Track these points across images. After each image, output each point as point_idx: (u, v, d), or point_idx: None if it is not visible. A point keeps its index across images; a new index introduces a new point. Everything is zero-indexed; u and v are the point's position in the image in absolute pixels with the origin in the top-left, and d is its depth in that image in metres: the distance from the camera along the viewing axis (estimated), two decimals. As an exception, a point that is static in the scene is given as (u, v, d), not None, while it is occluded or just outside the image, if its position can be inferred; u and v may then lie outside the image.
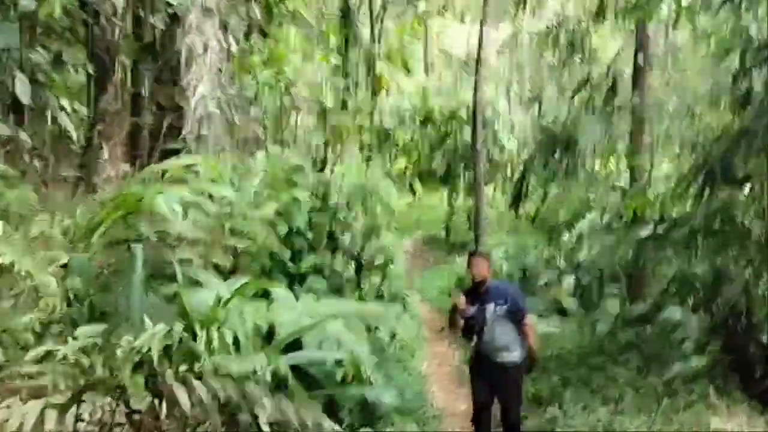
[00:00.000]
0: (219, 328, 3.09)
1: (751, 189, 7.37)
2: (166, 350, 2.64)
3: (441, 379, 9.96)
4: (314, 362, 3.88)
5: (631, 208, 9.50)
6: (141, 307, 3.43)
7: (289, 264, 5.90)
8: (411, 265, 19.25)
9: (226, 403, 2.49)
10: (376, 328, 5.25)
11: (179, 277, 3.82)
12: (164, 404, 2.55)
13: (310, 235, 6.05)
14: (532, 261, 13.13)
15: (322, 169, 6.60)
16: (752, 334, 6.95)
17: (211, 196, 4.96)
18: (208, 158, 5.97)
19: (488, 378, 5.03)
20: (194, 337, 2.87)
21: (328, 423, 2.85)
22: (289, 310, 4.60)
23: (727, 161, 6.39)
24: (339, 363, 4.09)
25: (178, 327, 2.75)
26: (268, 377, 2.86)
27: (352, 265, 6.75)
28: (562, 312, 10.40)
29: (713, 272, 7.08)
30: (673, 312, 8.14)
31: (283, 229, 5.88)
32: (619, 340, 7.17)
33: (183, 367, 2.55)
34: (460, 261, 15.74)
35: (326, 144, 6.70)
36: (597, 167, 13.17)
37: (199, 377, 2.49)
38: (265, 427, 2.51)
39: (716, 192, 6.91)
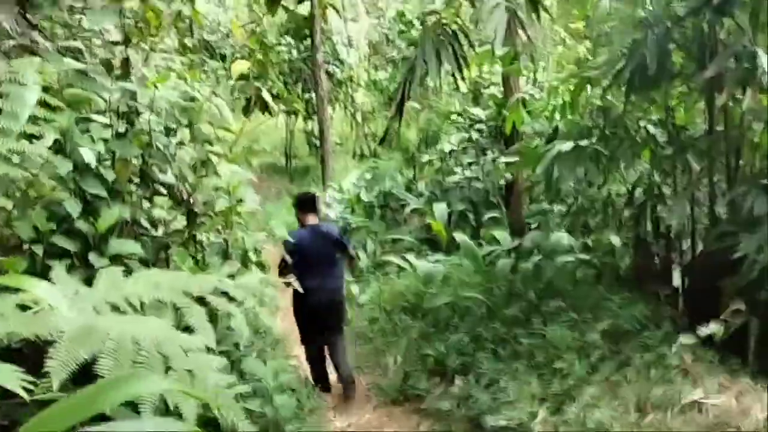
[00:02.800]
0: None
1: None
2: None
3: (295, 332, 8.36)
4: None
5: (511, 121, 8.21)
6: None
7: (78, 222, 3.82)
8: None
9: None
10: (228, 314, 3.39)
11: None
12: None
13: (110, 176, 3.98)
14: (392, 187, 11.64)
15: (124, 77, 4.40)
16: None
17: None
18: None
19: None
20: None
21: None
22: (70, 311, 2.66)
23: (664, 54, 5.11)
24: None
25: None
26: None
27: (180, 215, 4.73)
28: (436, 244, 9.04)
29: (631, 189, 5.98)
30: (562, 238, 7.03)
31: (63, 169, 3.76)
32: (535, 280, 5.80)
33: None
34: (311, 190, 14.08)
35: (126, 40, 4.47)
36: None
37: None
38: None
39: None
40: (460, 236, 6.91)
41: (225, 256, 4.69)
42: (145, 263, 4.29)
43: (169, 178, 4.46)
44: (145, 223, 4.63)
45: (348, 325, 6.09)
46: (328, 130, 18.90)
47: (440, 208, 9.31)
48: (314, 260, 5.21)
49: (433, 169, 11.13)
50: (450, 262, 7.35)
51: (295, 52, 19.93)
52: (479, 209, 9.29)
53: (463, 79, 6.43)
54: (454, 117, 10.89)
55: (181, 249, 4.17)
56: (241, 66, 6.27)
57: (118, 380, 2.06)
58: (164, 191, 4.47)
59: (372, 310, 7.75)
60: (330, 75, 19.77)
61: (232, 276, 3.77)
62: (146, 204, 4.40)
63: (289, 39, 20.17)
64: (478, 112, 9.93)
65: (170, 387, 1.95)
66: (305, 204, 5.56)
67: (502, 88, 9.39)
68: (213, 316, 3.33)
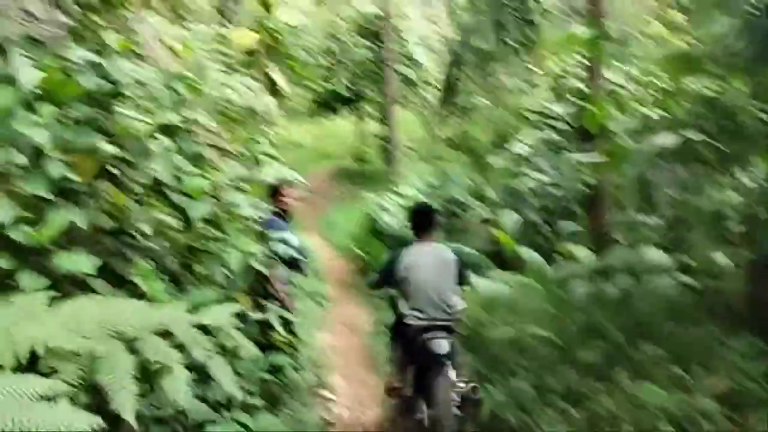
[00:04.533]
0: None
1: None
2: None
3: (347, 360, 7.34)
4: None
5: (595, 116, 6.92)
6: None
7: (11, 230, 2.94)
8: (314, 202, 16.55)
9: None
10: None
11: None
12: None
13: (57, 170, 3.09)
14: (458, 193, 10.50)
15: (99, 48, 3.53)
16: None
17: None
18: None
19: None
20: None
21: None
22: None
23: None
24: None
25: None
26: None
27: (178, 221, 3.80)
28: (501, 259, 7.83)
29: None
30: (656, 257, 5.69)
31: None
32: (622, 313, 4.51)
33: None
34: (372, 196, 13.16)
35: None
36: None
37: None
38: None
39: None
40: (526, 251, 5.70)
41: (214, 275, 3.73)
42: (113, 282, 3.40)
43: (148, 175, 3.54)
44: (138, 234, 3.75)
45: None
46: (397, 132, 18.01)
47: (509, 217, 8.09)
48: None
49: (504, 173, 9.91)
50: (517, 282, 6.15)
51: (366, 52, 19.13)
52: (555, 219, 8.03)
53: (529, 51, 5.15)
54: (529, 115, 9.64)
55: (145, 266, 3.22)
56: (244, 37, 5.29)
57: None
58: (144, 192, 3.56)
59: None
60: (401, 75, 18.85)
61: (198, 307, 2.78)
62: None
63: (359, 38, 19.42)
64: (556, 108, 8.67)
65: None
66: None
67: (585, 80, 8.15)
68: (147, 369, 2.34)
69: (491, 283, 6.44)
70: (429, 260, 4.43)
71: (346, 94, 19.35)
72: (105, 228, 3.60)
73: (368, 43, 19.00)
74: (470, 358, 4.98)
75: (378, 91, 18.86)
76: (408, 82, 19.27)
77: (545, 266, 5.84)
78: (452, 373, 4.19)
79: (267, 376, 4.38)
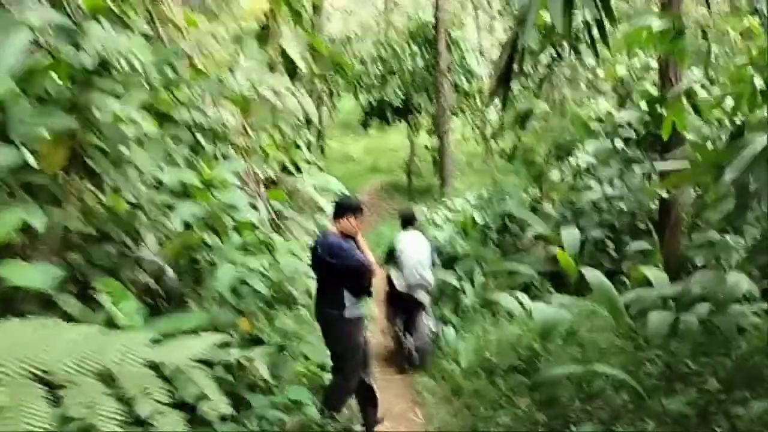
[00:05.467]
0: None
1: None
2: None
3: (387, 394, 6.63)
4: None
5: (670, 122, 6.04)
6: None
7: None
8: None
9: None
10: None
11: None
12: None
13: (10, 157, 2.53)
14: (514, 208, 9.70)
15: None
16: None
17: None
18: None
19: None
20: None
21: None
22: None
23: None
24: None
25: None
26: None
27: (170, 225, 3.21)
28: (561, 282, 7.01)
29: None
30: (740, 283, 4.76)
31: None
32: (715, 351, 3.63)
33: None
34: (424, 211, 12.46)
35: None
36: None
37: None
38: None
39: None
40: (590, 272, 4.87)
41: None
42: (89, 300, 2.81)
43: (132, 168, 2.93)
44: (127, 241, 3.19)
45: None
46: (450, 145, 17.27)
47: (570, 235, 7.22)
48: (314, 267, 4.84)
49: (565, 187, 9.07)
50: (579, 308, 5.34)
51: (420, 61, 18.48)
52: (622, 237, 7.15)
53: (605, 42, 4.23)
54: (593, 122, 8.78)
55: (113, 282, 2.61)
56: (255, 3, 4.69)
57: None
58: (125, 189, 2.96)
59: (471, 363, 5.93)
60: (456, 86, 18.14)
61: (174, 335, 2.15)
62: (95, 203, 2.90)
63: (414, 47, 18.79)
64: (624, 113, 7.80)
65: None
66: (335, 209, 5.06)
67: (658, 82, 7.28)
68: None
69: (548, 308, 5.63)
70: (413, 245, 6.86)
71: (399, 104, 18.71)
72: (84, 233, 3.03)
73: (422, 52, 18.35)
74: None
75: (431, 101, 18.18)
76: (463, 92, 18.53)
77: (613, 290, 4.98)
78: (427, 317, 6.84)
79: (284, 416, 3.74)
